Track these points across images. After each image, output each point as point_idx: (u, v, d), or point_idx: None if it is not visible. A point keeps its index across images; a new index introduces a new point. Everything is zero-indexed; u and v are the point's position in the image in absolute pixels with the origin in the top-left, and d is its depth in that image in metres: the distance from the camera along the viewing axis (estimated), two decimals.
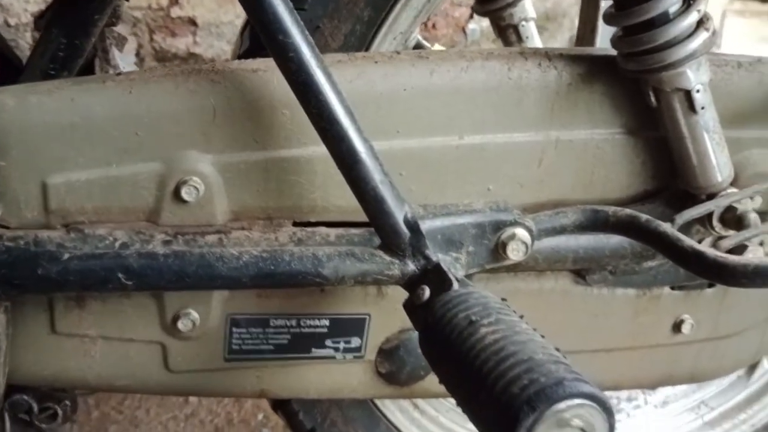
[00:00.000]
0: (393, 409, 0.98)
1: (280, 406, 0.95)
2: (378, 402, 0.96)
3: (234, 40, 1.91)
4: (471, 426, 1.08)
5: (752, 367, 1.15)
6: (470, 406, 0.53)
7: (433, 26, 2.09)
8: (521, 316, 0.59)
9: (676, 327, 0.89)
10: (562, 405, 0.46)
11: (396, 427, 0.98)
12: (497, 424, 0.49)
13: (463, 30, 2.12)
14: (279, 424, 1.51)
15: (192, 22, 1.95)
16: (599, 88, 0.76)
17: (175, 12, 1.93)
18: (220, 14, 1.88)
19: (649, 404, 1.30)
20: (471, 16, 2.09)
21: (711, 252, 0.61)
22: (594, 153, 0.78)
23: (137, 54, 1.92)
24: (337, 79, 0.65)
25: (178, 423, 1.51)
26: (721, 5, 2.48)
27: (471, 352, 0.54)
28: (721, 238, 0.66)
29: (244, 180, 0.71)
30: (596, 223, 0.70)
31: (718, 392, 1.16)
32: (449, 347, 0.56)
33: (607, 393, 1.18)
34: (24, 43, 1.71)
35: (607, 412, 0.48)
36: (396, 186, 0.66)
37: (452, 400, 1.05)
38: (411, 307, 0.65)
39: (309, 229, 0.74)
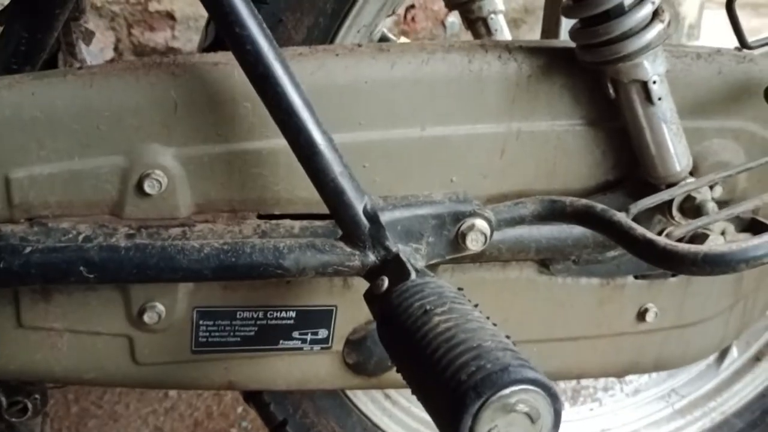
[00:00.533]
0: (365, 399, 0.99)
1: (252, 397, 0.95)
2: (349, 393, 0.97)
3: None
4: None
5: (722, 356, 1.17)
6: (422, 393, 0.54)
7: (413, 19, 2.10)
8: (476, 305, 0.59)
9: (641, 315, 0.90)
10: (506, 391, 0.47)
11: (368, 418, 0.99)
12: (446, 409, 0.50)
13: (443, 23, 2.12)
14: (257, 418, 1.51)
15: (170, 16, 1.94)
16: (559, 79, 0.77)
17: (153, 6, 1.92)
18: (199, 8, 1.87)
19: (621, 393, 1.32)
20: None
21: (662, 240, 0.62)
22: (555, 144, 0.79)
23: (115, 48, 1.92)
24: (297, 71, 0.65)
25: (158, 417, 1.51)
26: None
27: (423, 340, 0.55)
28: (672, 229, 0.67)
29: (208, 173, 0.71)
30: (554, 213, 0.71)
31: (689, 380, 1.18)
32: (404, 336, 0.57)
33: (579, 380, 1.18)
34: None
35: (552, 397, 0.49)
36: (356, 177, 0.67)
37: None
38: (371, 297, 0.66)
39: (273, 221, 0.74)
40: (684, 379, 1.18)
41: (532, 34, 2.19)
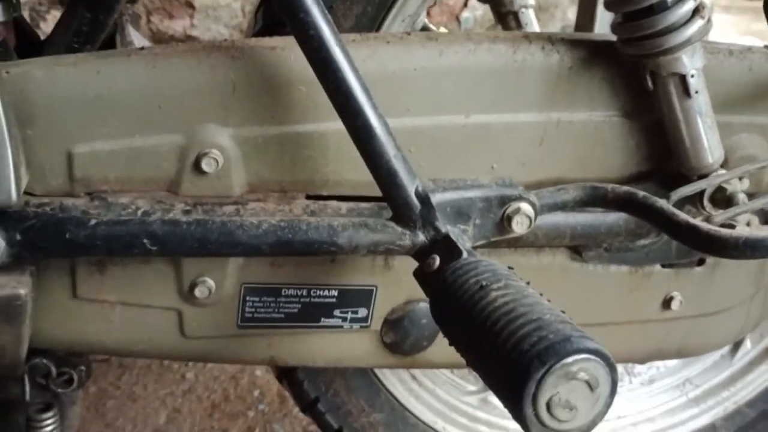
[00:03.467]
0: (393, 380, 1.02)
1: (285, 375, 0.98)
2: (379, 373, 1.00)
3: (231, 23, 1.93)
4: (467, 399, 1.12)
5: (736, 347, 1.21)
6: (482, 365, 0.57)
7: (428, 14, 2.12)
8: (528, 283, 0.62)
9: (666, 303, 0.93)
10: (569, 359, 0.50)
11: (395, 398, 1.02)
12: (509, 379, 0.52)
13: (457, 18, 2.15)
14: (274, 401, 1.54)
15: (189, 4, 1.96)
16: (599, 72, 0.80)
17: None
18: None
19: (635, 382, 1.35)
20: (465, 5, 2.13)
21: (704, 225, 0.65)
22: (592, 134, 0.82)
23: None
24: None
25: (176, 398, 1.53)
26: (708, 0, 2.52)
27: (482, 314, 0.57)
28: (710, 217, 0.70)
29: (261, 153, 0.74)
30: (595, 199, 0.74)
31: (703, 370, 1.21)
32: (461, 310, 0.60)
33: None
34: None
35: (611, 366, 0.52)
36: (408, 161, 0.70)
37: (448, 373, 1.09)
38: (422, 275, 0.68)
39: (321, 202, 0.77)
40: (698, 369, 1.21)
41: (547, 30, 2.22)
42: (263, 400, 1.54)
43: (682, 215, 0.67)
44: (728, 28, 2.80)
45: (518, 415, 0.51)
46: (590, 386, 0.51)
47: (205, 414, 1.50)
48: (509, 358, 0.52)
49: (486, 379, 0.56)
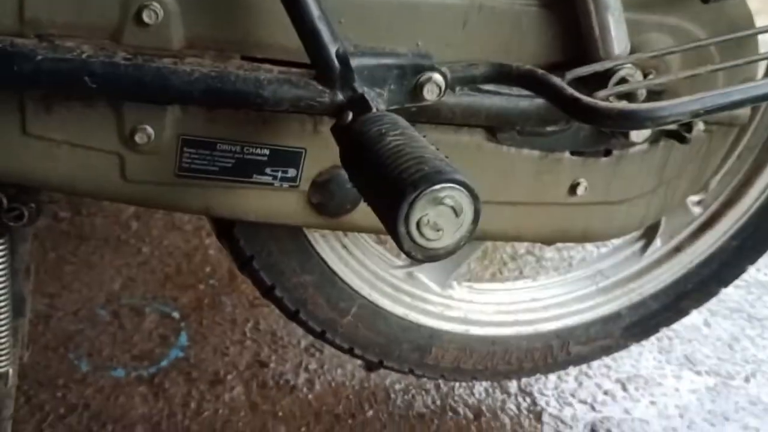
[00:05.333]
0: (324, 246, 1.11)
1: (224, 234, 1.06)
2: (311, 239, 1.09)
3: None
4: (393, 272, 1.21)
5: (646, 245, 1.31)
6: (373, 198, 0.66)
7: None
8: (424, 136, 0.70)
9: (572, 189, 1.02)
10: (437, 186, 0.59)
11: (326, 262, 1.11)
12: (389, 202, 0.61)
13: None
14: (224, 277, 1.64)
15: None
16: None
17: None
18: None
19: (550, 270, 1.46)
20: None
21: (587, 98, 0.73)
22: (512, 21, 0.89)
23: None
24: None
25: (131, 269, 1.63)
26: None
27: (377, 155, 0.66)
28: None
29: (199, 10, 0.80)
30: (501, 75, 0.82)
31: (614, 264, 1.32)
32: (362, 154, 0.68)
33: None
34: None
35: (475, 198, 0.60)
36: (332, 24, 0.76)
37: (379, 247, 1.19)
38: (336, 129, 0.76)
39: (255, 63, 0.84)
40: (610, 263, 1.32)
41: None
42: (214, 275, 1.64)
43: (570, 89, 0.75)
44: None
45: (393, 233, 0.60)
46: (455, 212, 0.60)
47: (157, 284, 1.59)
48: (393, 187, 0.61)
49: (375, 210, 0.65)
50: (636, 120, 0.72)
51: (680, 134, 1.02)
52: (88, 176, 0.86)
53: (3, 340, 0.92)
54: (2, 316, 0.90)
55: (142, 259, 1.65)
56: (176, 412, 1.29)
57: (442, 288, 1.23)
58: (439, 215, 0.60)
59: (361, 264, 1.16)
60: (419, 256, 0.61)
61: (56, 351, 1.40)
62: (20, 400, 1.26)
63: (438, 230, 0.60)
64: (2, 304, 0.90)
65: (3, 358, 0.93)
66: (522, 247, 1.74)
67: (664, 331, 1.40)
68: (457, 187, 0.60)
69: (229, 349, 1.44)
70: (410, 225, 0.60)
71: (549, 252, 1.75)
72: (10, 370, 0.95)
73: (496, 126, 0.94)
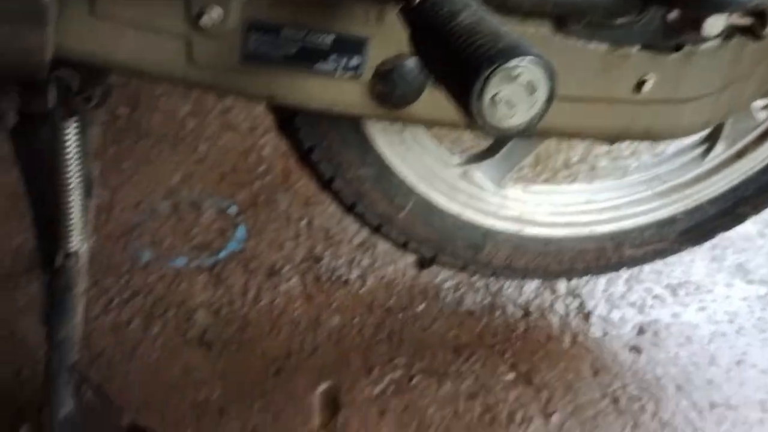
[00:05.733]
0: (383, 141, 1.11)
1: (285, 124, 1.08)
2: (370, 132, 1.09)
3: None
4: (450, 170, 1.22)
5: (708, 149, 1.29)
6: (445, 75, 0.65)
7: None
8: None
9: (639, 85, 0.99)
10: (513, 62, 0.58)
11: (384, 157, 1.12)
12: (463, 81, 0.61)
13: None
14: (279, 176, 1.67)
15: None
16: None
17: None
18: None
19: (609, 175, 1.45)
20: None
21: None
22: None
23: None
24: None
25: (188, 166, 1.66)
26: None
27: (451, 34, 0.65)
28: None
29: None
30: None
31: (673, 168, 1.30)
32: (434, 33, 0.67)
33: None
34: None
35: (552, 75, 0.60)
36: None
37: (436, 145, 1.19)
38: (406, 10, 0.75)
39: None
40: (669, 167, 1.30)
41: None
42: (269, 174, 1.66)
43: None
44: None
45: (467, 109, 0.60)
46: (530, 89, 0.60)
47: (214, 181, 1.63)
48: (466, 61, 0.60)
49: (447, 88, 0.65)
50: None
51: (754, 30, 0.98)
52: (155, 58, 0.87)
53: (76, 219, 0.96)
54: (76, 195, 0.93)
55: (198, 156, 1.68)
56: (235, 300, 1.34)
57: (498, 188, 1.23)
58: (514, 93, 0.60)
59: (419, 160, 1.17)
60: (492, 133, 0.61)
61: (119, 241, 1.46)
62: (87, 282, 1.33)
63: (511, 107, 0.60)
64: (77, 182, 0.93)
65: (76, 236, 0.97)
66: (576, 155, 1.73)
67: (718, 241, 1.40)
68: (534, 62, 0.59)
69: (285, 243, 1.48)
70: (483, 101, 0.59)
71: (602, 161, 1.73)
72: (83, 248, 0.99)
73: (563, 17, 0.92)
